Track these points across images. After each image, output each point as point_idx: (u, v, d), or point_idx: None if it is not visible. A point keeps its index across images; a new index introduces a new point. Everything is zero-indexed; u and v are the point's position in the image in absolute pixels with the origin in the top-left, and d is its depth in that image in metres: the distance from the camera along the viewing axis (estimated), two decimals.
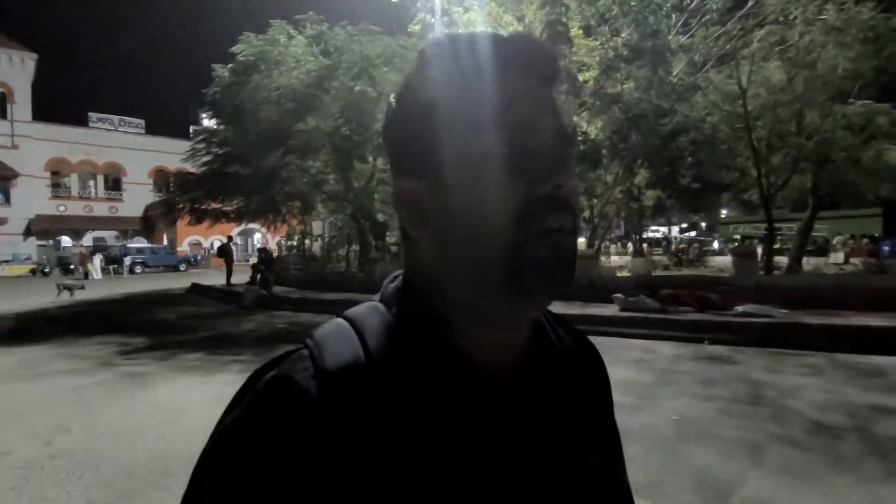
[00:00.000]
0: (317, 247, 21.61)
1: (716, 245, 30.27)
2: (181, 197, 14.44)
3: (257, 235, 38.63)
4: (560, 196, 0.39)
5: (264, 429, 0.35)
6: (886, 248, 18.21)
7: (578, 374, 0.49)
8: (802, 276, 10.10)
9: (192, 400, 4.66)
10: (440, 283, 0.42)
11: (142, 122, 41.63)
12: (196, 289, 15.88)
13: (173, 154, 34.31)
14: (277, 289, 13.60)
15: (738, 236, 31.41)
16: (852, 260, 16.37)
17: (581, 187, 0.51)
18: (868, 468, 3.04)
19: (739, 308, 7.58)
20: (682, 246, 25.42)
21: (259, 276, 14.01)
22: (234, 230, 31.84)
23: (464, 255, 0.40)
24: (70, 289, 14.33)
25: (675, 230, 40.22)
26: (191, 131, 20.08)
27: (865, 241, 19.68)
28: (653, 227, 39.30)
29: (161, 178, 38.22)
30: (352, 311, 0.43)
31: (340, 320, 0.42)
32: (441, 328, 0.41)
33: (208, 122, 16.35)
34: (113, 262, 29.17)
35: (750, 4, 11.74)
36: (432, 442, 0.36)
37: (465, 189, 0.39)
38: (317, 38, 12.07)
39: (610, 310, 8.32)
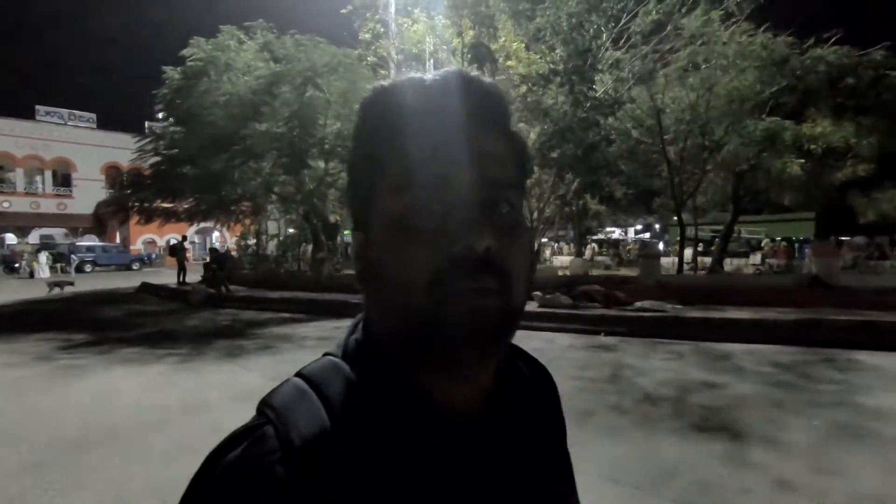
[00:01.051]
0: (272, 246, 21.90)
1: (661, 246, 32.06)
2: (130, 196, 14.56)
3: (216, 234, 38.22)
4: (474, 256, 0.36)
5: None
6: (806, 250, 19.97)
7: (538, 408, 0.49)
8: (699, 276, 11.26)
9: (123, 387, 5.16)
10: (381, 335, 0.41)
11: (93, 116, 40.44)
12: (145, 288, 15.97)
13: (127, 150, 33.50)
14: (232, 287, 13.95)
15: (678, 238, 33.37)
16: (768, 261, 17.93)
17: (523, 242, 0.40)
18: (665, 425, 3.88)
19: (637, 304, 8.54)
20: (629, 247, 26.95)
21: (211, 274, 14.30)
22: (191, 229, 31.55)
23: (385, 315, 0.40)
24: (60, 286, 15.50)
25: (631, 232, 42.10)
26: (146, 127, 19.97)
27: (784, 243, 21.40)
28: (609, 229, 40.95)
29: (114, 174, 37.35)
30: (311, 371, 0.40)
31: (299, 383, 0.39)
32: (404, 384, 0.39)
33: (161, 122, 16.38)
34: (61, 260, 28.41)
35: (668, 29, 12.88)
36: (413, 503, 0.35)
37: (385, 247, 0.38)
38: (265, 46, 12.48)
39: (530, 306, 9.17)
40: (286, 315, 10.25)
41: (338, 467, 0.34)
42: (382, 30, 14.54)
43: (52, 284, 15.68)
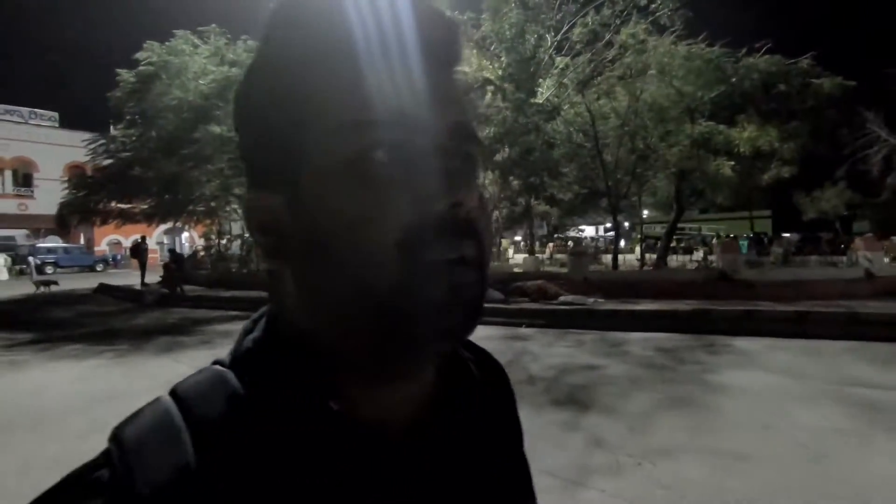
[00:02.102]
0: (236, 246, 22.10)
1: (622, 244, 33.25)
2: (86, 197, 14.73)
3: (185, 235, 37.94)
4: (459, 216, 0.30)
5: None
6: (746, 246, 21.11)
7: (490, 411, 0.41)
8: (624, 271, 12.05)
9: (55, 380, 5.55)
10: (308, 328, 0.32)
11: (55, 115, 39.70)
12: (103, 288, 16.08)
13: None
14: (186, 287, 14.21)
15: (638, 236, 34.73)
16: (710, 257, 18.97)
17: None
18: (529, 400, 4.49)
19: (562, 298, 9.21)
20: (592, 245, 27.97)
21: (167, 275, 14.52)
22: (158, 230, 31.37)
23: (333, 296, 0.30)
24: (47, 284, 16.10)
25: (600, 229, 43.33)
26: (112, 128, 19.97)
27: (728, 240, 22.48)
28: (579, 227, 42.01)
29: (77, 174, 36.72)
30: (185, 386, 0.32)
31: (165, 403, 0.31)
32: (317, 392, 0.31)
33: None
34: (19, 262, 28.00)
35: (606, 38, 13.64)
36: None
37: (332, 207, 0.29)
38: (217, 52, 12.80)
39: None
40: (234, 313, 10.64)
41: None
42: None
43: (38, 283, 16.42)
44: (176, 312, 11.21)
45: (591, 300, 9.09)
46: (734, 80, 14.51)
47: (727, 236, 27.74)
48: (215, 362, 0.34)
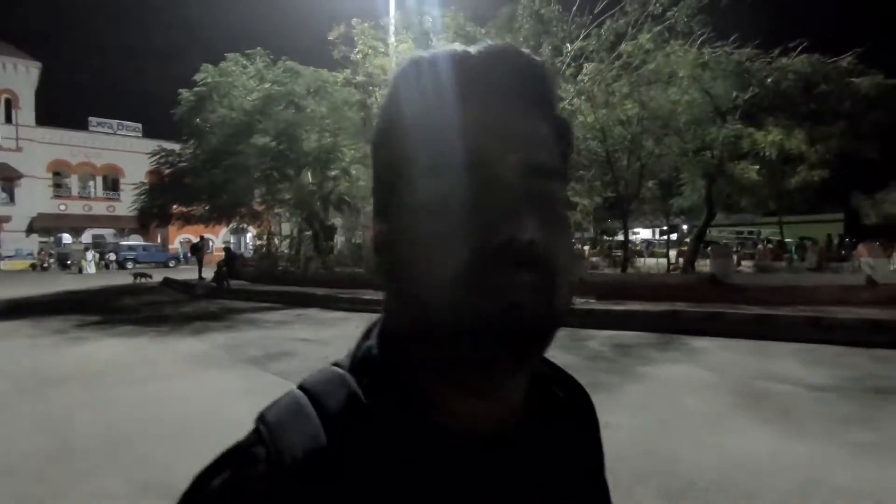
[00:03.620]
0: (285, 246, 24.05)
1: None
2: (150, 201, 16.93)
3: (249, 235, 41.12)
4: (517, 248, 0.32)
5: None
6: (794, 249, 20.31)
7: (573, 435, 0.44)
8: (619, 274, 12.30)
9: (105, 351, 6.97)
10: (404, 338, 0.37)
11: (139, 125, 44.17)
12: (167, 282, 18.26)
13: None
14: (232, 282, 15.98)
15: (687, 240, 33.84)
16: (744, 262, 18.46)
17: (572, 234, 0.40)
18: None
19: None
20: (636, 248, 27.64)
21: (217, 270, 16.37)
22: (223, 230, 34.39)
23: (415, 312, 0.35)
24: (143, 276, 19.18)
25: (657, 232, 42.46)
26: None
27: (770, 245, 21.71)
28: (634, 230, 41.40)
29: (153, 181, 40.82)
30: (312, 382, 0.37)
31: (298, 395, 0.36)
32: (417, 400, 0.36)
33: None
34: (105, 258, 31.79)
35: (622, 47, 13.89)
36: None
37: (415, 236, 0.34)
38: (258, 74, 14.39)
39: None
40: (266, 304, 12.04)
41: (331, 492, 0.31)
42: (370, 51, 16.20)
43: (135, 275, 19.28)
44: (218, 303, 12.80)
45: (582, 300, 9.60)
46: (769, 81, 14.27)
47: (770, 241, 26.55)
48: (334, 363, 0.39)
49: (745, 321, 7.31)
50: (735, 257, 19.96)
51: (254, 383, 5.24)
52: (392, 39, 14.35)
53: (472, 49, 0.37)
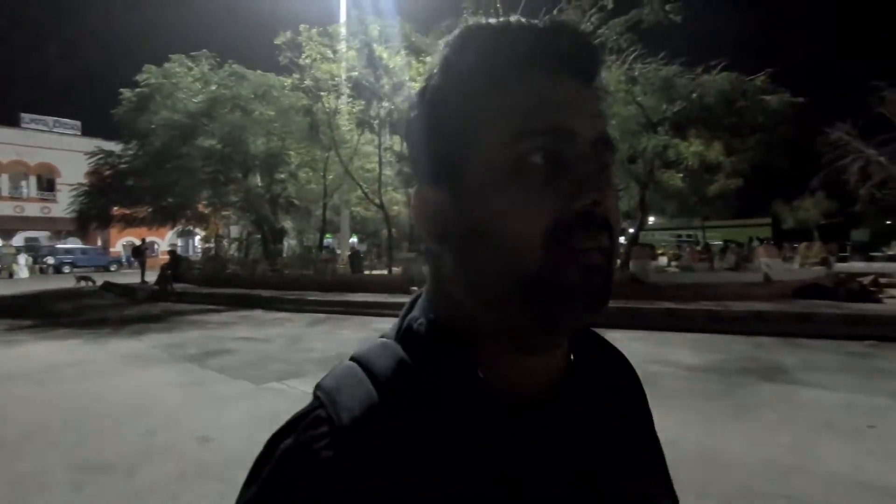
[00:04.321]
0: (234, 248, 23.77)
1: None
2: (88, 204, 16.48)
3: (197, 238, 39.99)
4: (597, 213, 0.35)
5: None
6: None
7: (616, 394, 0.46)
8: None
9: (40, 352, 6.99)
10: (463, 305, 0.38)
11: (78, 123, 42.14)
12: (107, 286, 17.76)
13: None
14: (177, 285, 15.78)
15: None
16: (672, 263, 19.87)
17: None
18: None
19: None
20: None
21: (161, 273, 16.12)
22: (169, 232, 33.37)
23: (487, 275, 0.36)
24: (87, 279, 18.53)
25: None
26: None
27: (699, 246, 23.32)
28: None
29: (91, 181, 39.09)
30: (361, 352, 0.40)
31: (350, 364, 0.39)
32: (466, 360, 0.37)
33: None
34: (41, 261, 30.21)
35: None
36: (466, 490, 0.34)
37: (492, 200, 0.35)
38: (202, 77, 14.37)
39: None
40: (211, 307, 12.08)
41: (387, 445, 0.33)
42: (318, 56, 16.42)
43: (79, 279, 18.79)
44: (161, 306, 12.70)
45: None
46: (694, 95, 15.49)
47: (702, 243, 28.52)
48: (382, 336, 0.41)
49: (655, 315, 8.14)
50: (666, 258, 21.46)
51: (189, 378, 5.51)
52: (343, 46, 14.70)
53: (534, 21, 0.38)
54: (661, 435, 0.48)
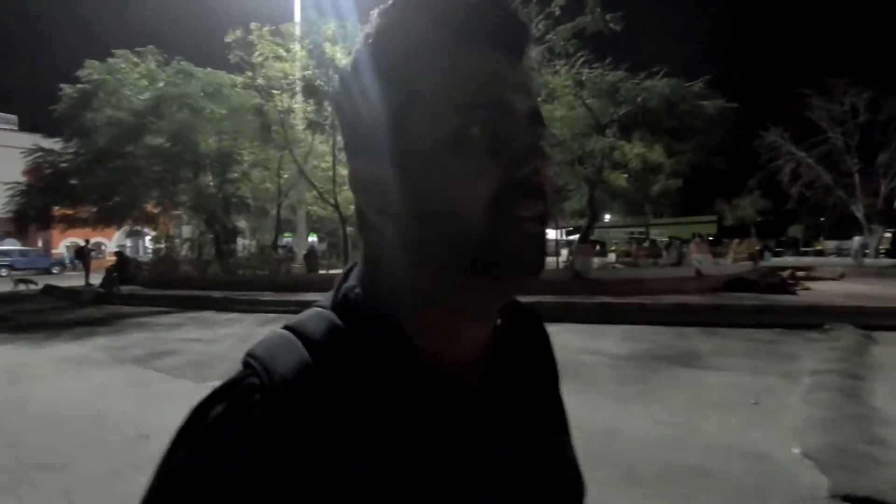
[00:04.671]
0: (186, 248, 23.17)
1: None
2: (26, 203, 15.78)
3: (148, 238, 38.54)
4: (535, 182, 0.36)
5: (218, 473, 0.32)
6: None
7: (534, 356, 0.48)
8: None
9: None
10: (403, 274, 0.39)
11: (14, 118, 39.80)
12: (48, 289, 17.04)
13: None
14: (124, 287, 15.35)
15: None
16: (620, 259, 20.85)
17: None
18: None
19: None
20: None
21: (106, 275, 15.61)
22: (116, 233, 32.10)
23: (430, 244, 0.37)
24: (26, 282, 17.38)
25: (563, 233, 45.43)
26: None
27: (647, 244, 24.45)
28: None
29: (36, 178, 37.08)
30: (295, 321, 0.39)
31: (282, 331, 0.38)
32: (400, 329, 0.38)
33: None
34: None
35: None
36: (398, 451, 0.34)
37: (435, 171, 0.36)
38: (148, 74, 14.03)
39: None
40: (160, 309, 11.87)
41: (321, 409, 0.33)
42: (271, 54, 16.26)
43: (17, 281, 17.69)
44: (106, 309, 12.36)
45: None
46: (639, 99, 16.26)
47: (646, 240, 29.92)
48: (317, 305, 0.40)
49: (591, 309, 8.65)
50: (615, 255, 22.40)
51: (132, 379, 5.55)
52: (297, 46, 14.64)
53: None
54: (574, 417, 0.50)
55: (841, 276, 12.93)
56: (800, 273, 12.71)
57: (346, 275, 0.43)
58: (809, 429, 3.55)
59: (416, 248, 0.38)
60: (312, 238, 27.81)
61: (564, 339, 7.29)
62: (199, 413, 0.35)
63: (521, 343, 0.46)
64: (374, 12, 0.39)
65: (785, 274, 11.16)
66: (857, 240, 18.58)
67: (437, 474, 0.35)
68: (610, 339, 7.13)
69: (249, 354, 0.37)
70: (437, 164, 0.36)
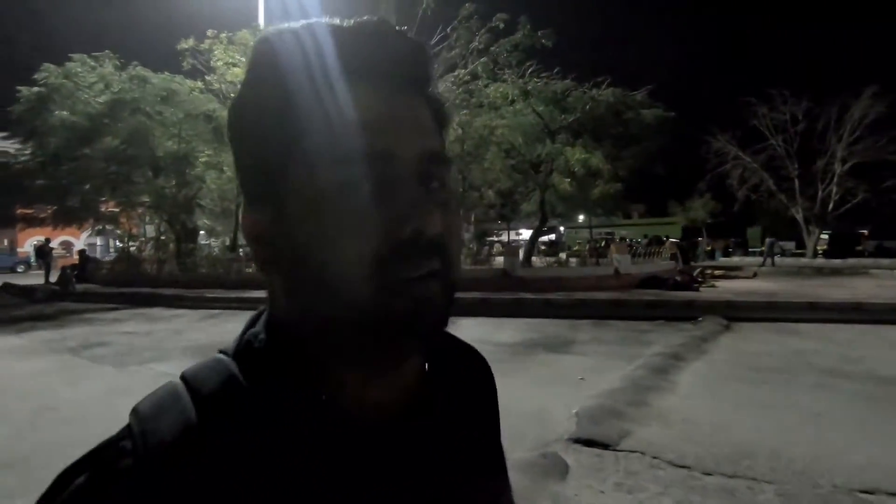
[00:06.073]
0: (149, 247, 23.49)
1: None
2: None
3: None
4: (422, 239, 0.33)
5: None
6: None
7: (469, 399, 0.46)
8: None
9: None
10: (299, 325, 0.37)
11: None
12: (5, 287, 17.33)
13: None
14: (82, 285, 15.76)
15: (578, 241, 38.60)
16: (570, 258, 21.88)
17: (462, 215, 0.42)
18: None
19: None
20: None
21: (62, 273, 16.00)
22: (84, 232, 32.13)
23: (317, 303, 0.35)
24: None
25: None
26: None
27: (598, 244, 25.53)
28: (518, 231, 45.08)
29: None
30: (192, 370, 0.36)
31: (175, 383, 0.36)
32: (305, 379, 0.35)
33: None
34: None
35: (456, 75, 16.09)
36: None
37: (314, 227, 0.34)
38: (103, 78, 14.50)
39: None
40: (110, 305, 12.38)
41: (201, 474, 0.30)
42: (230, 60, 16.80)
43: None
44: (58, 306, 12.81)
45: None
46: (587, 107, 17.20)
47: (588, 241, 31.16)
48: (220, 351, 0.38)
49: (503, 304, 9.48)
50: (564, 254, 23.40)
51: (59, 365, 6.18)
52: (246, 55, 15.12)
53: (349, 23, 0.35)
54: None
55: (754, 275, 14.03)
56: (718, 272, 13.76)
57: (255, 320, 0.40)
58: (597, 395, 4.39)
59: (305, 304, 0.36)
60: None
61: (469, 330, 8.10)
62: (62, 481, 0.32)
63: (454, 383, 0.44)
64: (257, 42, 0.36)
65: (695, 273, 12.16)
66: (768, 241, 19.88)
67: None
68: (509, 331, 7.94)
69: (133, 411, 0.35)
70: (316, 219, 0.34)
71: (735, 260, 25.55)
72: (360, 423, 0.36)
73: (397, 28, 0.36)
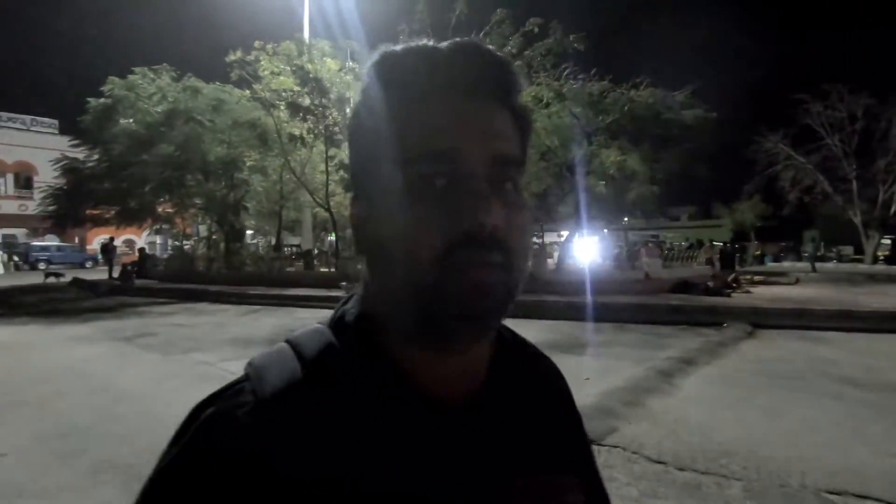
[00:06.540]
0: (202, 247, 25.03)
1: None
2: (53, 204, 17.81)
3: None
4: (484, 233, 0.37)
5: (201, 472, 0.35)
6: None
7: (539, 400, 0.50)
8: None
9: None
10: (381, 306, 0.42)
11: (55, 122, 42.88)
12: (75, 282, 18.95)
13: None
14: (141, 281, 17.07)
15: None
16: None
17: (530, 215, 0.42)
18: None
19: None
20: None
21: (123, 269, 17.40)
22: (145, 231, 34.55)
23: (390, 285, 0.40)
24: (56, 275, 19.10)
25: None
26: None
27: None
28: (561, 232, 44.87)
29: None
30: (296, 336, 0.43)
31: (283, 345, 0.42)
32: (385, 352, 0.41)
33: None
34: (14, 258, 31.27)
35: None
36: (375, 474, 0.36)
37: (391, 219, 0.39)
38: (160, 90, 15.69)
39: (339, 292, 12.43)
40: (163, 300, 13.39)
41: (304, 419, 0.36)
42: (278, 70, 17.72)
43: (47, 275, 19.52)
44: (118, 299, 13.99)
45: None
46: (626, 108, 17.06)
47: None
48: (319, 322, 0.45)
49: (528, 305, 9.63)
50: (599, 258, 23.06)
51: (114, 351, 6.89)
52: (304, 58, 16.00)
53: (442, 45, 0.41)
54: None
55: (796, 282, 13.46)
56: (758, 278, 13.32)
57: (349, 297, 0.47)
58: (596, 394, 4.54)
59: (382, 286, 0.42)
60: (331, 238, 29.36)
61: None
62: (194, 413, 0.39)
63: (522, 381, 0.49)
64: (368, 66, 0.42)
65: (730, 278, 11.85)
66: (810, 244, 18.85)
67: (408, 493, 0.37)
68: (527, 332, 8.03)
69: (249, 363, 0.42)
70: (394, 212, 0.39)
71: (785, 265, 24.43)
72: (428, 399, 0.41)
73: (486, 46, 0.42)
